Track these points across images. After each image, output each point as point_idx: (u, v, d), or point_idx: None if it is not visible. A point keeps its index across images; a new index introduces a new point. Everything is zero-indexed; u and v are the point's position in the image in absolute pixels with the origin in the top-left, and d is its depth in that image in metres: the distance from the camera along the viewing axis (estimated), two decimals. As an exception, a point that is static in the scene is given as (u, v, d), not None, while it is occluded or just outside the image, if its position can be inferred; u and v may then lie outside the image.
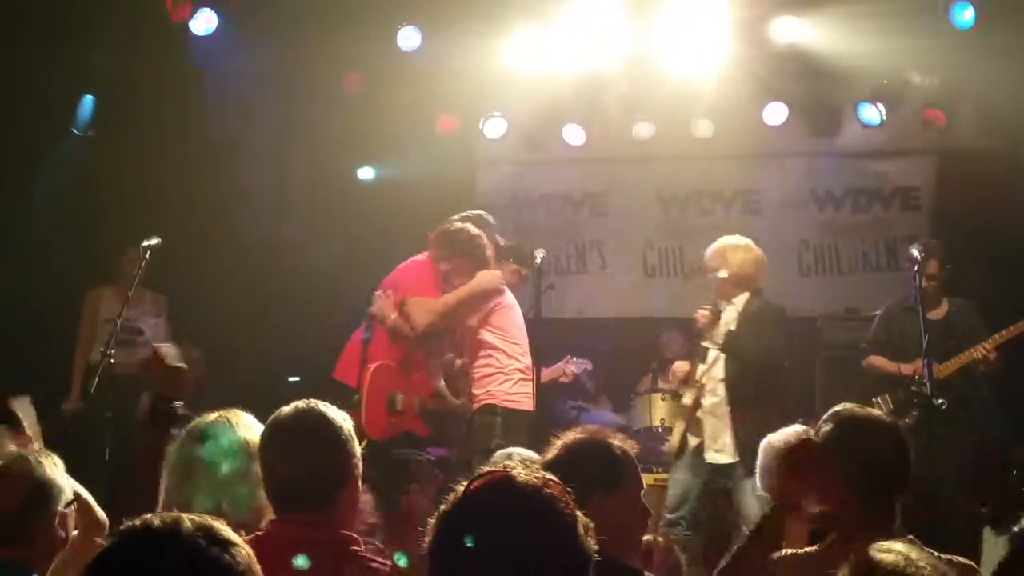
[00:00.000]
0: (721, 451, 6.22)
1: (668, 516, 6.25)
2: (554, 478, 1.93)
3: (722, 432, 6.23)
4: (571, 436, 3.13)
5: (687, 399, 6.34)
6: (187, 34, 7.21)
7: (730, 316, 6.38)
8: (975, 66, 7.32)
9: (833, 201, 8.97)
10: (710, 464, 6.26)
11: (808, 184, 8.98)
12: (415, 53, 7.63)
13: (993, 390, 6.84)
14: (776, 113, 8.02)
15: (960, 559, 3.03)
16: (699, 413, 6.30)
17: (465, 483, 1.89)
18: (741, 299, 6.39)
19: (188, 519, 1.80)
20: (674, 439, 6.41)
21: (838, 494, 3.16)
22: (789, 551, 3.22)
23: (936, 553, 2.90)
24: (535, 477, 1.89)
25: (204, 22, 7.20)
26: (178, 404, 2.98)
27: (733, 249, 6.45)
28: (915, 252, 6.52)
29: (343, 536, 2.81)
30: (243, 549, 1.80)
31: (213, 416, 3.16)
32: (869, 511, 3.09)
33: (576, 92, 7.99)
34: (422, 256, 6.43)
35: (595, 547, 1.89)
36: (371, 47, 7.75)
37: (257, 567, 1.84)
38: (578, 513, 1.88)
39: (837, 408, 3.31)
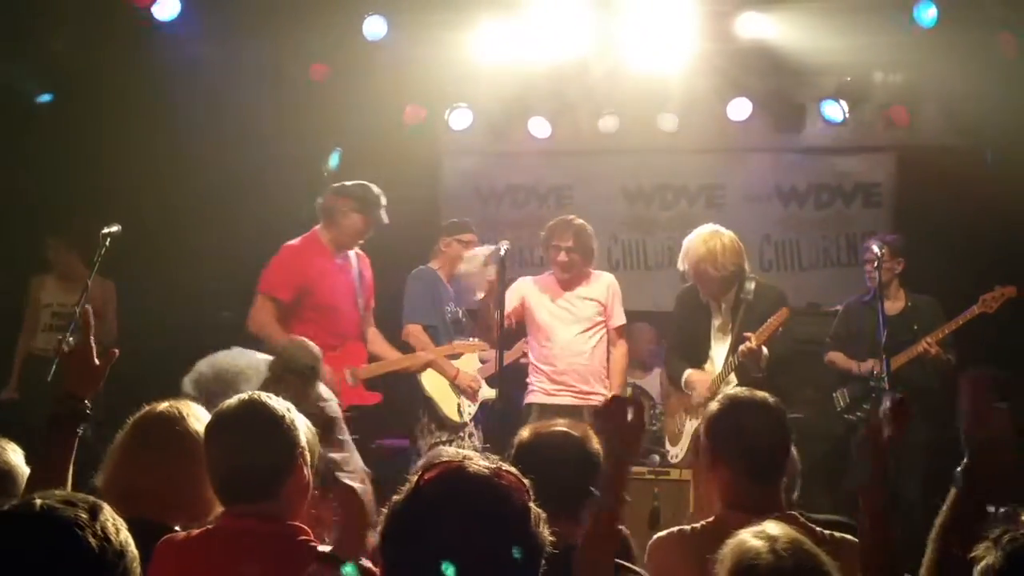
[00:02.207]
0: None
1: None
2: (508, 467, 1.92)
3: None
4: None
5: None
6: (151, 21, 7.14)
7: (725, 316, 6.26)
8: (937, 64, 7.38)
9: (796, 196, 9.02)
10: None
11: (771, 179, 9.02)
12: (381, 43, 7.61)
13: (946, 385, 6.91)
14: (740, 108, 8.05)
15: (845, 535, 3.11)
16: None
17: (418, 474, 1.89)
18: (731, 295, 6.24)
19: (68, 500, 1.81)
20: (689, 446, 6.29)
21: (722, 472, 3.28)
22: (672, 530, 3.34)
23: (820, 529, 3.01)
24: (487, 467, 1.88)
25: (167, 8, 7.14)
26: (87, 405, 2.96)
27: (719, 242, 6.14)
28: (875, 247, 6.60)
29: (291, 527, 2.80)
30: (121, 535, 1.82)
31: (163, 406, 3.14)
32: (753, 489, 3.19)
33: (542, 84, 7.99)
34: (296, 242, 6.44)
35: (549, 537, 1.88)
36: (337, 36, 7.71)
37: (133, 554, 1.85)
38: (531, 504, 1.87)
39: (728, 391, 3.49)
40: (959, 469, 2.53)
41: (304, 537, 2.78)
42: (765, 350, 5.92)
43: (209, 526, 2.85)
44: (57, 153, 7.88)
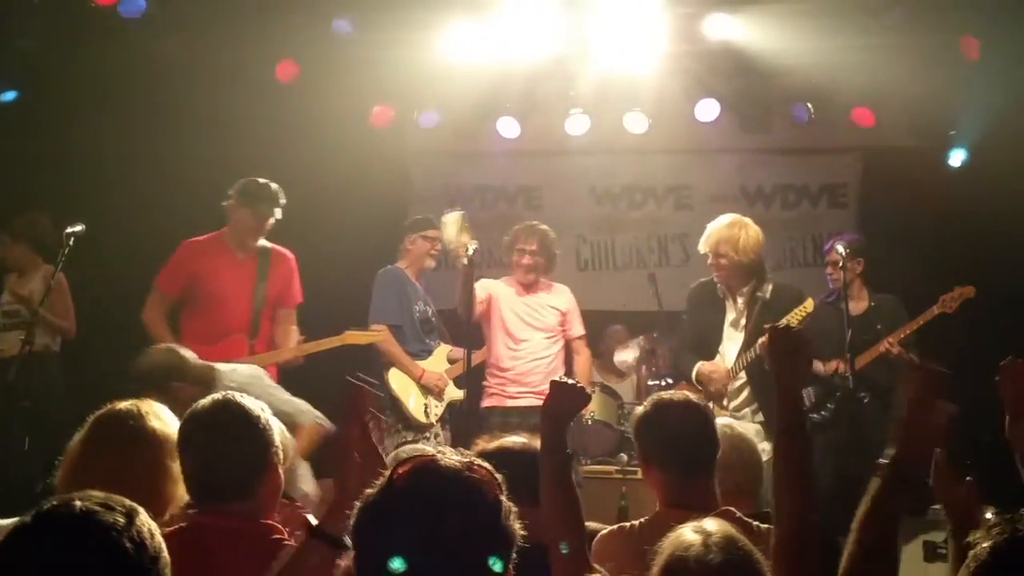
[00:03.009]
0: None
1: None
2: (480, 461, 1.95)
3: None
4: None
5: (727, 402, 6.02)
6: (117, 18, 7.10)
7: (740, 311, 6.08)
8: (902, 66, 7.45)
9: (763, 197, 9.08)
10: None
11: (738, 180, 9.08)
12: (350, 42, 7.60)
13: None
14: (708, 109, 8.08)
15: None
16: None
17: (391, 469, 1.91)
18: (747, 289, 6.05)
19: (106, 503, 1.82)
20: None
21: (653, 471, 3.41)
22: (613, 527, 3.45)
23: (756, 524, 3.14)
24: (459, 461, 1.91)
25: (131, 6, 7.10)
26: None
27: (744, 231, 6.02)
28: (839, 248, 6.65)
29: (265, 526, 2.81)
30: (156, 540, 1.85)
31: (124, 404, 3.14)
32: (684, 486, 3.32)
33: (511, 85, 8.00)
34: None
35: (521, 532, 1.91)
36: (305, 35, 7.70)
37: (166, 559, 1.87)
38: (502, 497, 1.90)
39: (655, 394, 3.61)
40: (884, 459, 2.60)
41: (277, 536, 2.78)
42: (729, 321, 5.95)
43: (183, 524, 2.85)
44: (22, 151, 7.82)
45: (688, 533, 2.51)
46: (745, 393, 6.06)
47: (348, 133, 8.36)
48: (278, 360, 6.33)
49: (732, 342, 6.07)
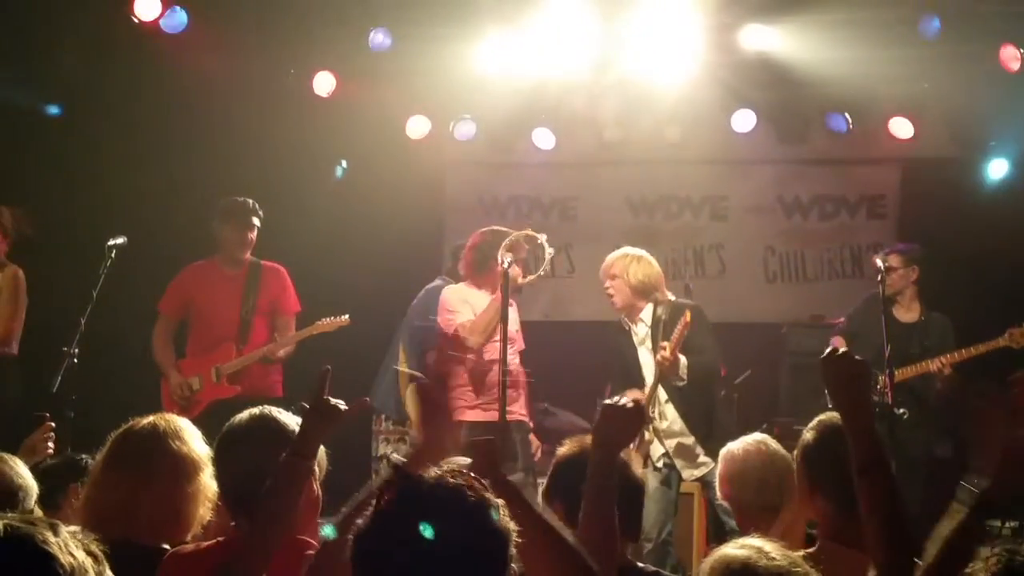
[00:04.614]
0: (702, 465, 6.12)
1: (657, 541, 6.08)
2: (461, 468, 1.98)
3: (691, 449, 6.14)
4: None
5: (648, 434, 6.10)
6: (157, 33, 7.18)
7: (643, 332, 6.26)
8: (941, 76, 7.40)
9: (800, 208, 9.03)
10: (691, 480, 6.17)
11: (775, 191, 9.03)
12: (386, 55, 7.64)
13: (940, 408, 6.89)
14: (744, 120, 8.06)
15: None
16: (656, 438, 6.18)
17: (376, 497, 1.94)
18: (647, 312, 6.28)
19: (24, 522, 1.81)
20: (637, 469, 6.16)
21: (820, 503, 3.23)
22: None
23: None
24: (439, 473, 1.94)
25: (173, 21, 7.17)
26: None
27: (635, 260, 6.29)
28: (877, 261, 6.58)
29: (300, 541, 2.81)
30: (65, 558, 1.81)
31: (144, 422, 3.12)
32: (852, 520, 2.96)
33: (546, 96, 8.01)
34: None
35: (514, 526, 1.93)
36: (342, 49, 7.75)
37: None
38: (487, 495, 1.93)
39: (821, 417, 3.34)
40: (980, 498, 2.49)
41: (311, 552, 2.78)
42: (683, 358, 5.99)
43: (220, 538, 2.87)
44: (64, 166, 7.90)
45: (734, 550, 2.45)
46: (670, 408, 6.19)
47: (384, 144, 8.40)
48: (255, 359, 6.75)
49: (648, 364, 6.22)
